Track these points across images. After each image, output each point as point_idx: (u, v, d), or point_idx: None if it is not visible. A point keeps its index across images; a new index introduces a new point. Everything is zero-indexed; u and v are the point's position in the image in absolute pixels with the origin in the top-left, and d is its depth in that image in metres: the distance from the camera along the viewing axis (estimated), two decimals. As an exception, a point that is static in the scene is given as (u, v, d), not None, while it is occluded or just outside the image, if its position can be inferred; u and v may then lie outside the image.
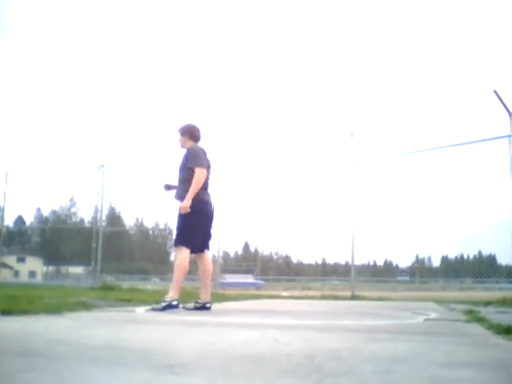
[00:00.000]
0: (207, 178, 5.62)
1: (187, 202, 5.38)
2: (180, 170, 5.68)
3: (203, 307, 5.44)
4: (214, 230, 5.76)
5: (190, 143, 5.76)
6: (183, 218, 5.45)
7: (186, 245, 5.37)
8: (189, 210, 5.37)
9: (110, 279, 14.62)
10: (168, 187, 5.94)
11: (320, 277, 25.81)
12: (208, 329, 3.45)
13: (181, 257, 5.38)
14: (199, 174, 5.43)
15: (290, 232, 16.76)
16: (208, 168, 5.64)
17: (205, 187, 5.58)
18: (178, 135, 5.83)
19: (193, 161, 5.52)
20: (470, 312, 5.24)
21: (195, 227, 5.46)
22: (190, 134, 5.81)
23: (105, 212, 17.60)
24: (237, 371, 1.77)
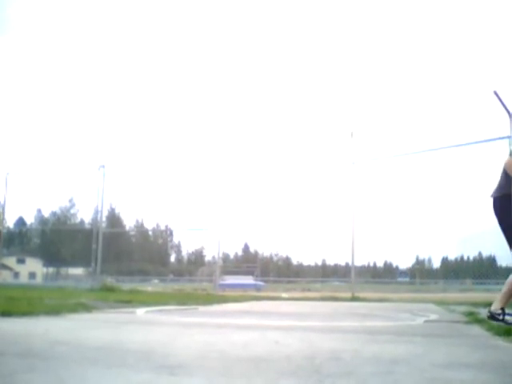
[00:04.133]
0: None
1: None
2: None
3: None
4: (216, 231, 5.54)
5: None
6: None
7: None
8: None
9: (109, 280, 14.61)
10: None
11: (320, 278, 25.82)
12: (208, 330, 3.45)
13: None
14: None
15: (290, 233, 16.77)
16: None
17: None
18: None
19: None
20: (470, 313, 5.23)
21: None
22: None
23: (105, 213, 17.60)
24: (237, 372, 1.77)
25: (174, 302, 6.99)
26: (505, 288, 4.81)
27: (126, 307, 5.79)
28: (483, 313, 5.31)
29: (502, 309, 4.63)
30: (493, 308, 4.67)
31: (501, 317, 4.59)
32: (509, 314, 4.68)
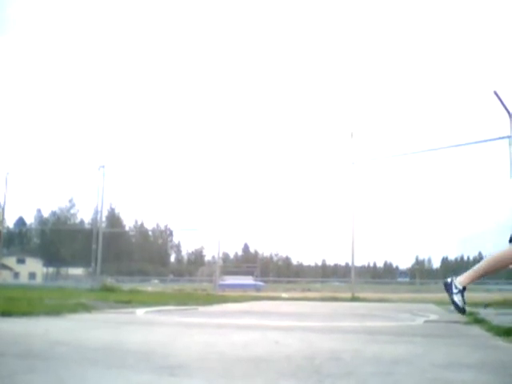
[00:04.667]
0: None
1: None
2: None
3: None
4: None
5: None
6: None
7: None
8: None
9: (109, 281, 14.61)
10: None
11: (320, 278, 25.87)
12: (208, 330, 3.45)
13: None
14: None
15: (289, 233, 16.79)
16: None
17: None
18: None
19: None
20: (469, 314, 5.23)
21: None
22: None
23: (105, 213, 17.63)
24: (237, 373, 1.77)
25: (173, 302, 6.99)
26: (482, 264, 4.19)
27: (125, 307, 5.79)
28: (483, 313, 5.32)
29: (464, 288, 4.13)
30: (458, 280, 4.13)
31: (454, 293, 4.10)
32: (462, 297, 4.15)
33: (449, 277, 4.30)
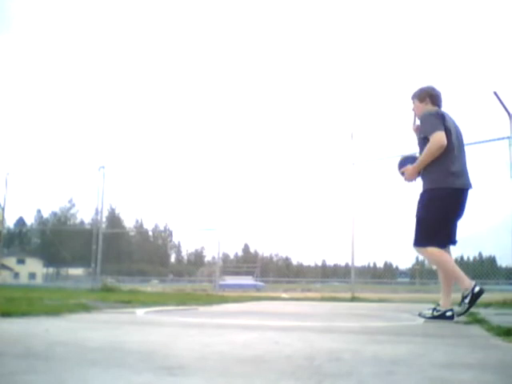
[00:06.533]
0: (453, 147, 4.38)
1: (413, 169, 4.43)
2: (419, 147, 4.57)
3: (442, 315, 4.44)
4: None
5: (428, 108, 4.61)
6: (424, 208, 4.40)
7: (431, 243, 4.33)
8: (413, 178, 4.48)
9: (109, 281, 14.61)
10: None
11: (320, 278, 25.83)
12: (208, 330, 3.44)
13: (431, 255, 4.41)
14: (434, 138, 4.26)
15: (290, 233, 16.78)
16: (450, 133, 4.37)
17: (451, 159, 4.36)
18: (415, 102, 4.75)
19: (425, 128, 4.40)
20: (470, 314, 5.23)
21: (441, 218, 4.38)
22: (427, 96, 4.66)
23: (105, 213, 17.60)
24: (236, 373, 1.77)
25: (173, 303, 6.99)
26: (443, 280, 4.62)
27: (125, 308, 5.79)
28: (483, 313, 5.32)
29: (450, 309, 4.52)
30: (442, 308, 4.54)
31: (449, 313, 4.49)
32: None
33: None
